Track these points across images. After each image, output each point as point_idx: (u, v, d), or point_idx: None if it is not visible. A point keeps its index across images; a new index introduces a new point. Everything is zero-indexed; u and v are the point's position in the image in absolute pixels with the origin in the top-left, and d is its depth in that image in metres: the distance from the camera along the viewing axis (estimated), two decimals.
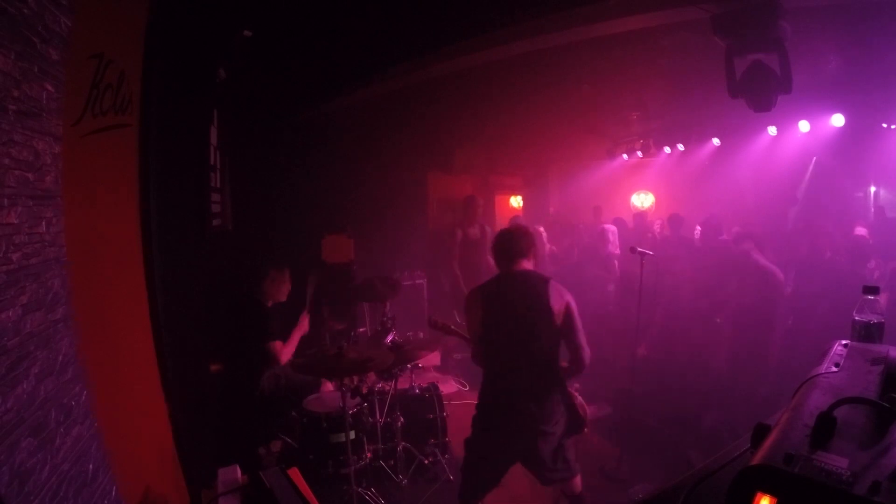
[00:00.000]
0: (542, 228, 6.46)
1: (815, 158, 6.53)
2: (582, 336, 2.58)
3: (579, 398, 2.80)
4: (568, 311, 2.56)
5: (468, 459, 2.70)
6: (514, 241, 2.67)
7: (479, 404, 2.66)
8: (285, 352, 3.55)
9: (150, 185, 2.49)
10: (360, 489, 3.09)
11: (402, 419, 3.53)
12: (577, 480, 2.73)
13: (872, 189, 7.05)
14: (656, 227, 7.47)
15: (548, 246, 6.36)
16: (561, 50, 4.35)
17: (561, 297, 2.55)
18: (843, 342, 1.18)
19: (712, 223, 5.42)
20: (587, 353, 2.59)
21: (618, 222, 6.18)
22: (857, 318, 1.34)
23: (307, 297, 3.93)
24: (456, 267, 5.10)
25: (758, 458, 0.76)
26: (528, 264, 2.66)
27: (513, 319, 2.54)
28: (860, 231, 4.38)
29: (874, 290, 1.35)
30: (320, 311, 4.12)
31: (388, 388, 3.71)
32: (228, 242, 4.38)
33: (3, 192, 1.37)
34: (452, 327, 3.12)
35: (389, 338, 3.98)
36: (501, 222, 8.48)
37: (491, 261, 5.09)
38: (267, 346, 3.48)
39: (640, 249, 3.62)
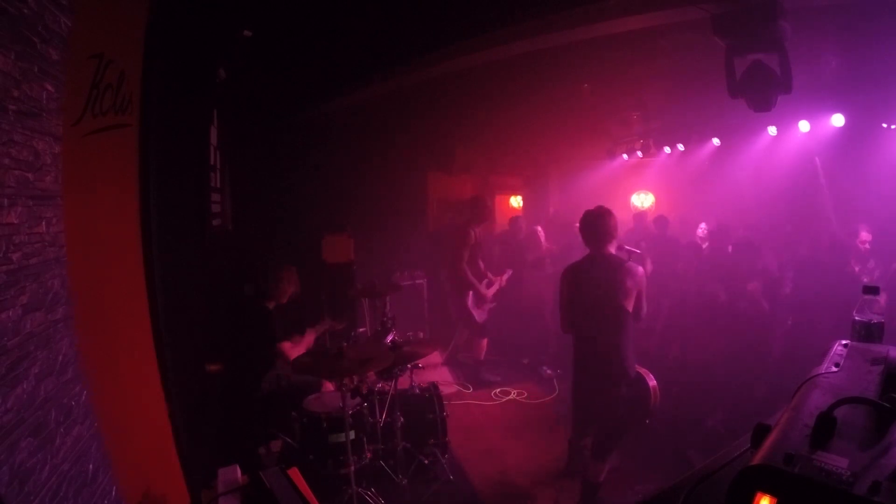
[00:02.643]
0: (539, 228, 6.46)
1: (817, 159, 6.51)
2: (644, 302, 3.09)
3: (653, 381, 3.12)
4: (638, 291, 3.02)
5: (572, 397, 3.44)
6: (598, 225, 3.12)
7: (573, 360, 3.28)
8: (295, 352, 3.59)
9: (150, 185, 2.49)
10: (360, 489, 3.09)
11: (402, 419, 3.52)
12: (603, 468, 3.17)
13: None
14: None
15: (545, 246, 6.36)
16: (561, 50, 4.35)
17: (633, 280, 2.99)
18: (843, 342, 1.18)
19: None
20: (645, 310, 3.12)
21: None
22: (857, 318, 1.34)
23: (317, 330, 3.97)
24: (466, 268, 5.15)
25: (758, 458, 0.76)
26: (611, 247, 3.12)
27: (591, 296, 3.06)
28: (863, 232, 4.36)
29: (874, 290, 1.35)
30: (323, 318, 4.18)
31: (388, 388, 3.71)
32: (228, 242, 4.38)
33: (3, 192, 1.37)
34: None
35: (389, 338, 3.97)
36: (501, 222, 8.49)
37: (481, 264, 5.29)
38: (277, 348, 3.54)
39: (627, 248, 3.61)
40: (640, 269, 3.07)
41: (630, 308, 3.00)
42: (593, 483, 3.20)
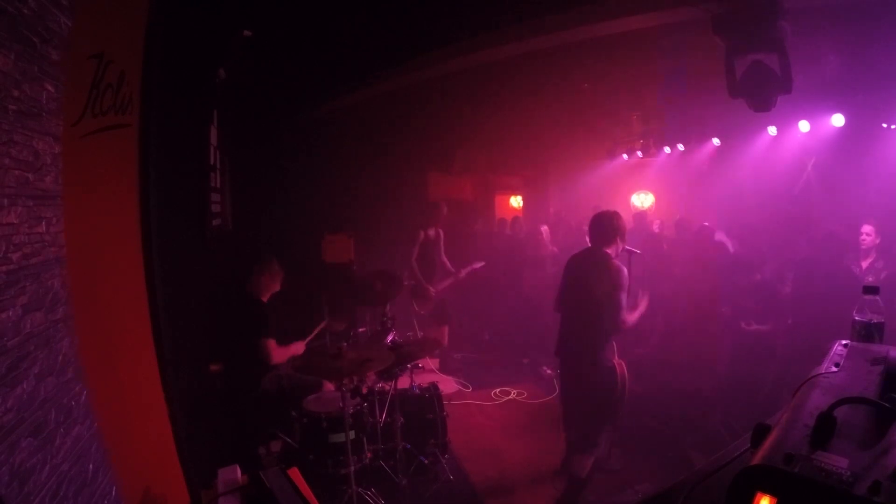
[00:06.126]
0: (544, 228, 6.46)
1: (814, 159, 6.51)
2: (618, 303, 3.09)
3: (622, 367, 3.21)
4: (615, 289, 3.09)
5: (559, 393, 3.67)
6: (604, 225, 3.26)
7: (556, 342, 3.46)
8: (277, 353, 3.52)
9: (150, 185, 2.49)
10: (360, 489, 3.09)
11: (402, 419, 3.52)
12: (587, 462, 3.22)
13: None
14: (655, 228, 7.46)
15: (549, 248, 6.35)
16: (561, 50, 4.35)
17: (613, 276, 3.11)
18: (843, 342, 1.18)
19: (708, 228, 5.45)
20: (621, 316, 3.11)
21: None
22: (857, 318, 1.34)
23: (311, 332, 3.96)
24: (415, 263, 5.61)
25: (758, 458, 0.76)
26: (610, 249, 3.23)
27: (575, 285, 3.30)
28: (866, 230, 4.29)
29: (874, 290, 1.35)
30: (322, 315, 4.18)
31: (388, 388, 3.71)
32: (228, 242, 4.38)
33: (3, 192, 1.36)
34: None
35: (389, 338, 3.97)
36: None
37: (444, 259, 5.75)
38: (260, 342, 3.45)
39: (627, 248, 3.60)
40: (624, 269, 3.17)
41: (605, 301, 3.11)
42: (578, 477, 3.22)
